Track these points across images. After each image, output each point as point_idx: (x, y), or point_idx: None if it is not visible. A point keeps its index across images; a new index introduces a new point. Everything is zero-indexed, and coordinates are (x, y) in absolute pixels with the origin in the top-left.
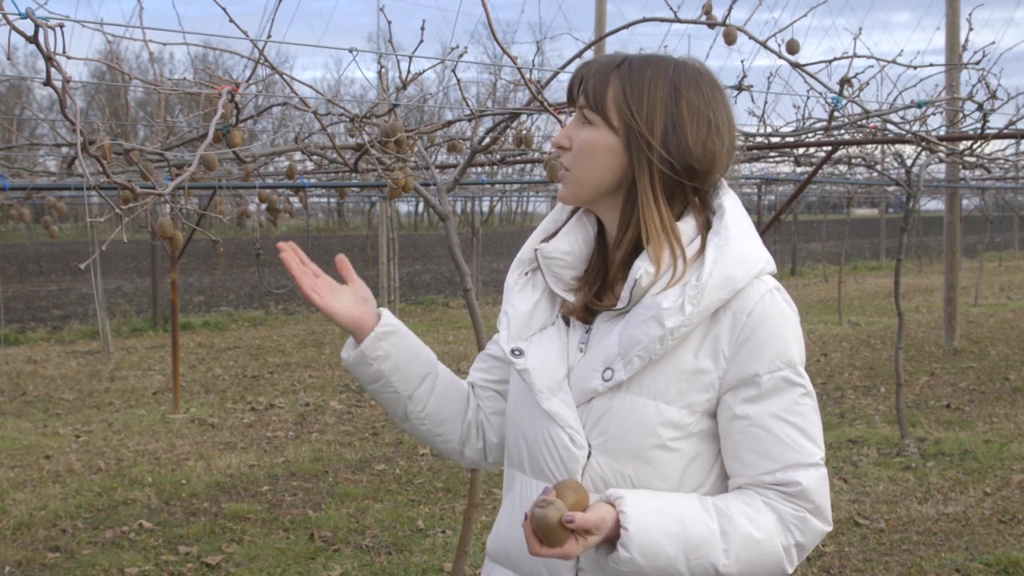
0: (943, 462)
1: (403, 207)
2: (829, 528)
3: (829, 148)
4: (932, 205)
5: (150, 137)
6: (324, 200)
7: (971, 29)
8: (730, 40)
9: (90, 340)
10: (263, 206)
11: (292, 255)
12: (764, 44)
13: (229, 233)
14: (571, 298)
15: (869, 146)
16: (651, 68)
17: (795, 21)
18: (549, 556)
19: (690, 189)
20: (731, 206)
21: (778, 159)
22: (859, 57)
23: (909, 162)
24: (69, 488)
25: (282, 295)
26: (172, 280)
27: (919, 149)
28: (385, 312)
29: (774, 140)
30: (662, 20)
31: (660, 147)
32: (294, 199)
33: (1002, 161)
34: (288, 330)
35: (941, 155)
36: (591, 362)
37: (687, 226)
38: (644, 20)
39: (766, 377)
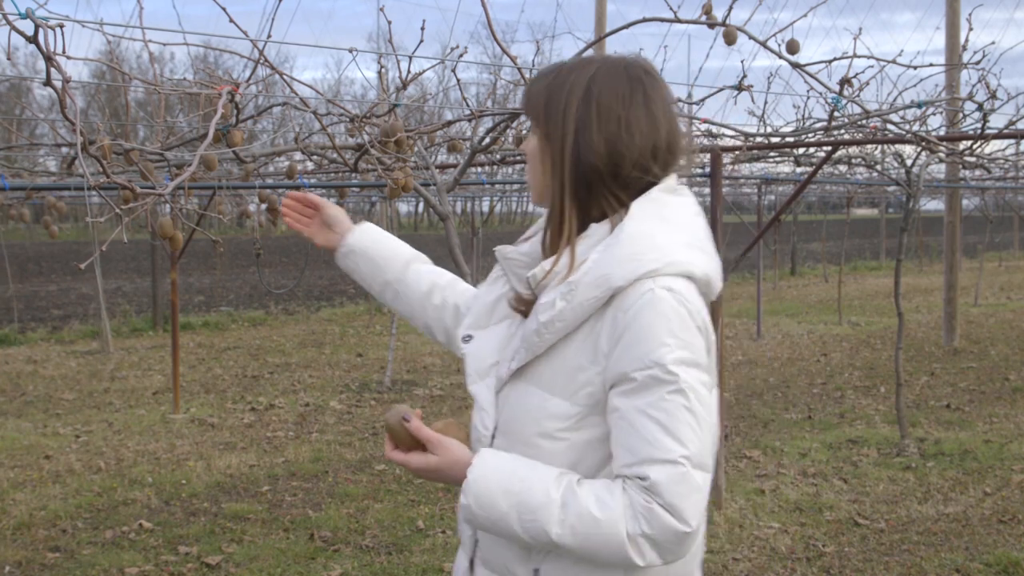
0: (943, 462)
1: (403, 207)
2: (686, 528)
3: (829, 148)
4: (932, 205)
5: (150, 137)
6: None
7: (971, 29)
8: (730, 40)
9: (90, 340)
10: (263, 206)
11: (292, 207)
12: (764, 44)
13: (229, 233)
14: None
15: (869, 146)
16: (575, 72)
17: (795, 21)
18: (394, 460)
19: (606, 191)
20: (639, 209)
21: (778, 159)
22: (859, 57)
23: (909, 162)
24: (69, 488)
25: (282, 295)
26: (172, 280)
27: (919, 149)
28: (353, 232)
29: (774, 140)
30: (662, 20)
31: (570, 148)
32: None
33: (1002, 161)
34: (288, 330)
35: (941, 155)
36: (508, 352)
37: (602, 228)
38: (644, 20)
39: (636, 374)
